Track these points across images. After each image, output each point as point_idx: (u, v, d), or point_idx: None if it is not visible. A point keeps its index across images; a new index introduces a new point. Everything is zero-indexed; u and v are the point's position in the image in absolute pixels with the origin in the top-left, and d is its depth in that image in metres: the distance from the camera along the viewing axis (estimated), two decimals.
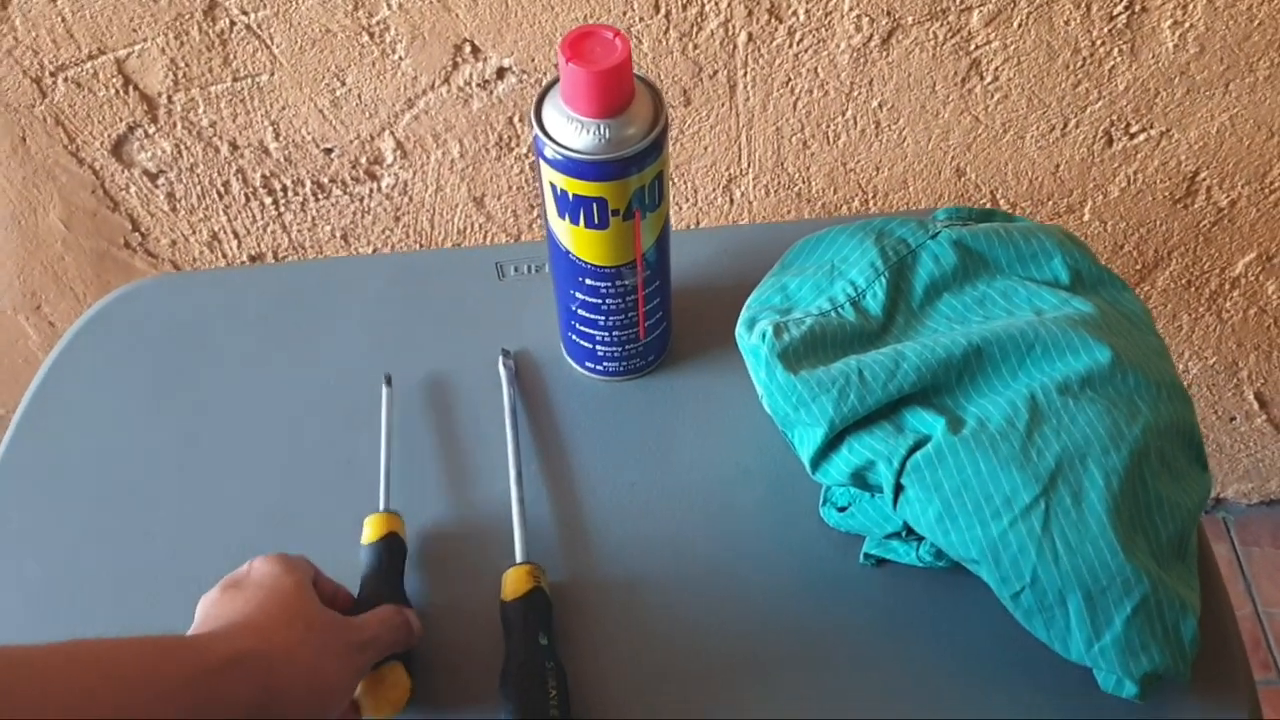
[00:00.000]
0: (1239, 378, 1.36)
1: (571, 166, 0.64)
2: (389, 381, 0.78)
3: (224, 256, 1.19)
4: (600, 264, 0.70)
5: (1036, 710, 0.65)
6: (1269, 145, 1.08)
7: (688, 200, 1.12)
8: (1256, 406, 1.41)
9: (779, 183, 1.10)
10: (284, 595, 0.59)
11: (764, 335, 0.68)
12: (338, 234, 1.16)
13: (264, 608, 0.58)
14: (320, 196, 1.12)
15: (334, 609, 0.62)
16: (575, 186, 0.65)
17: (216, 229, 1.15)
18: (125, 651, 0.51)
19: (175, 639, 0.55)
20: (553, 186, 0.66)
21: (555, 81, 0.65)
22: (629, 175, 0.65)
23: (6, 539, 0.74)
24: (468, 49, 0.98)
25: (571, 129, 0.64)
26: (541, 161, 0.66)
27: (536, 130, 0.65)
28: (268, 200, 1.12)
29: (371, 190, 1.11)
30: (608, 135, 0.63)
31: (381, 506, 0.71)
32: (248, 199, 1.12)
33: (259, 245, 1.17)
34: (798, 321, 0.69)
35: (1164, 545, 0.63)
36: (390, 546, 0.69)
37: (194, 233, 1.15)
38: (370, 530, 0.70)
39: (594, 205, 0.66)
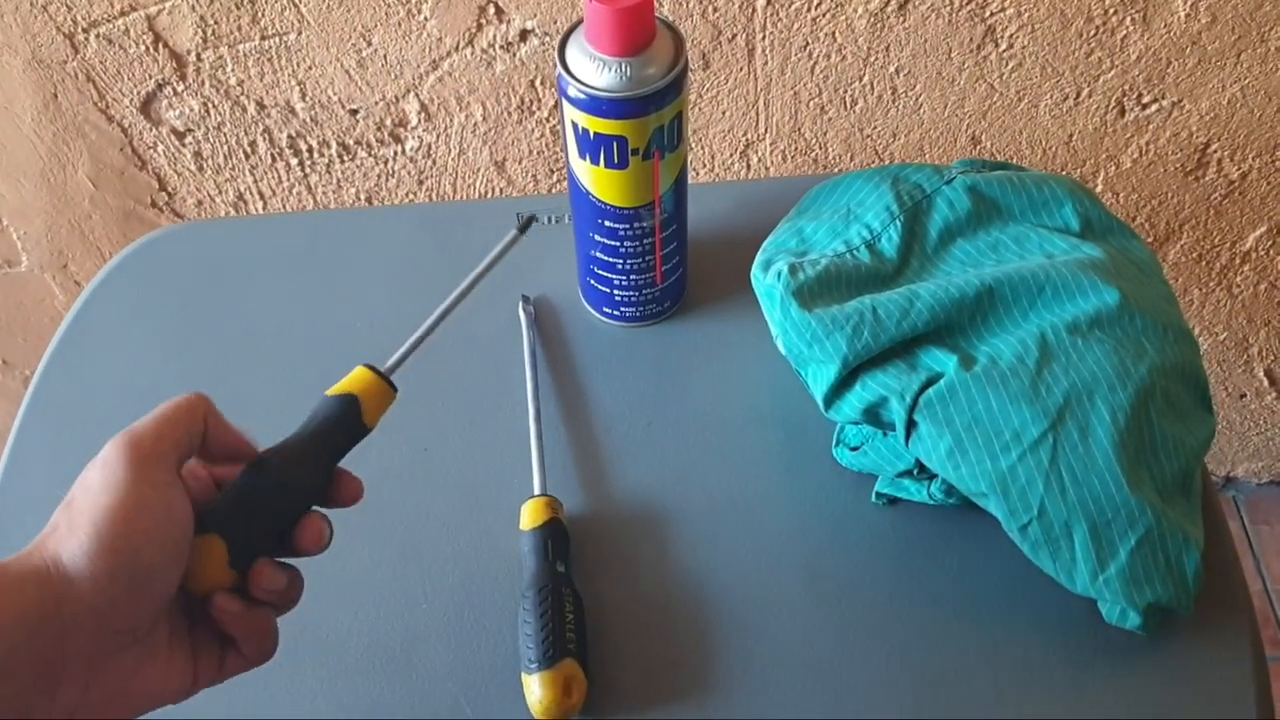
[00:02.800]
0: (1249, 354, 1.37)
1: (593, 104, 0.66)
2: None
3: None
4: (619, 204, 0.71)
5: (1045, 643, 0.66)
6: None
7: (705, 165, 1.14)
8: (1267, 384, 1.42)
9: (796, 148, 1.12)
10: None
11: (779, 274, 0.70)
12: (362, 196, 1.18)
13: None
14: (345, 158, 1.14)
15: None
16: (596, 125, 0.67)
17: (242, 189, 1.17)
18: None
19: None
20: (575, 126, 0.68)
21: (579, 23, 0.67)
22: (649, 113, 0.66)
23: (30, 490, 0.76)
24: (491, 10, 1.00)
25: (594, 67, 0.65)
26: (564, 101, 0.68)
27: (560, 69, 0.67)
28: (293, 161, 1.14)
29: (395, 153, 1.13)
30: (629, 73, 0.65)
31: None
32: (273, 159, 1.13)
33: (284, 206, 1.19)
34: (813, 262, 0.71)
35: (1169, 481, 0.65)
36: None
37: (220, 193, 1.17)
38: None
39: (614, 144, 0.68)
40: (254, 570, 0.52)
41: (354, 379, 0.58)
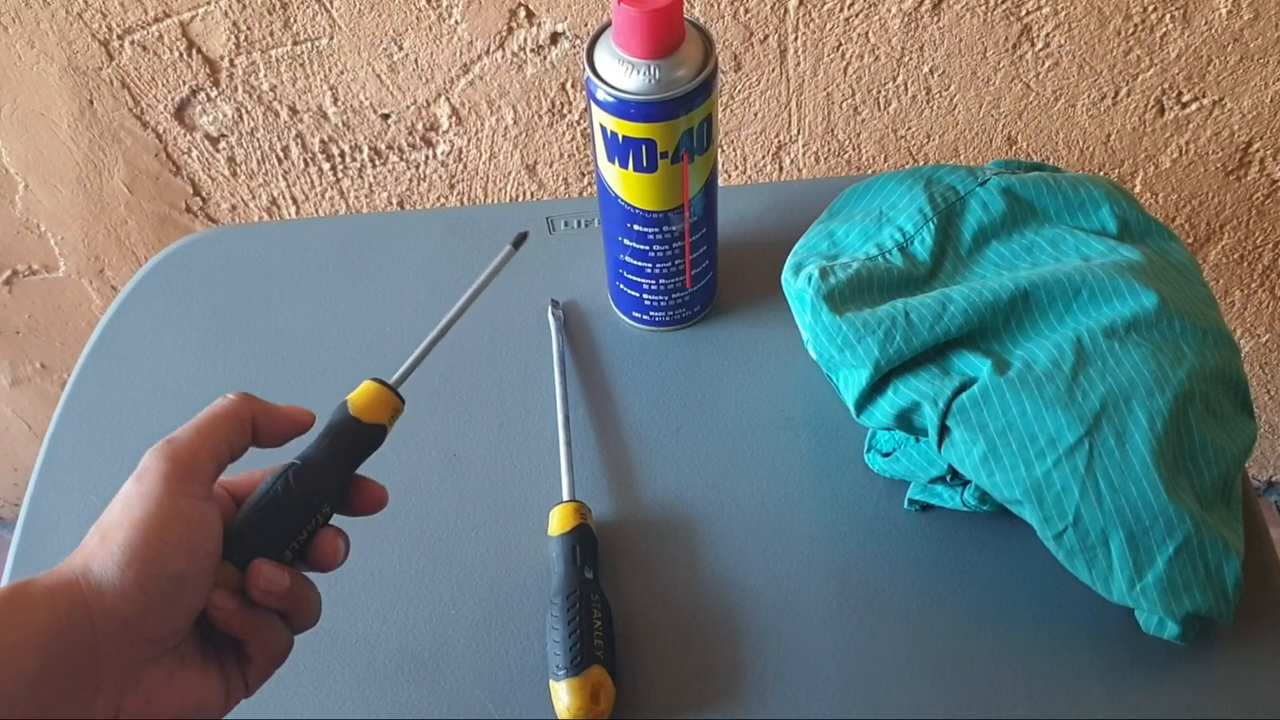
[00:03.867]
0: None
1: (621, 108, 0.66)
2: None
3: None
4: (648, 208, 0.71)
5: (1080, 654, 0.65)
6: None
7: (737, 168, 1.13)
8: None
9: (829, 150, 1.11)
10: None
11: (810, 278, 0.69)
12: (394, 201, 1.18)
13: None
14: (377, 163, 1.14)
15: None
16: (625, 128, 0.66)
17: (276, 194, 1.17)
18: None
19: None
20: (603, 129, 0.68)
21: (608, 26, 0.66)
22: (678, 116, 0.66)
23: (64, 494, 0.76)
24: (522, 13, 1.00)
25: (622, 70, 0.65)
26: (593, 104, 0.67)
27: (588, 72, 0.66)
28: (326, 166, 1.14)
29: (427, 157, 1.13)
30: (658, 76, 0.65)
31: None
32: (306, 164, 1.14)
33: (317, 211, 1.19)
34: (844, 265, 0.70)
35: (1208, 488, 0.63)
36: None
37: (253, 198, 1.18)
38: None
39: (643, 148, 0.67)
40: (251, 568, 0.51)
41: (363, 394, 0.57)
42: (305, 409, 0.56)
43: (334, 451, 0.55)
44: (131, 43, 1.02)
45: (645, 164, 0.68)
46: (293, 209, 1.19)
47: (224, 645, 0.52)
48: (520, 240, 0.66)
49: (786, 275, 0.73)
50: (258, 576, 0.51)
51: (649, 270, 0.75)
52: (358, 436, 0.56)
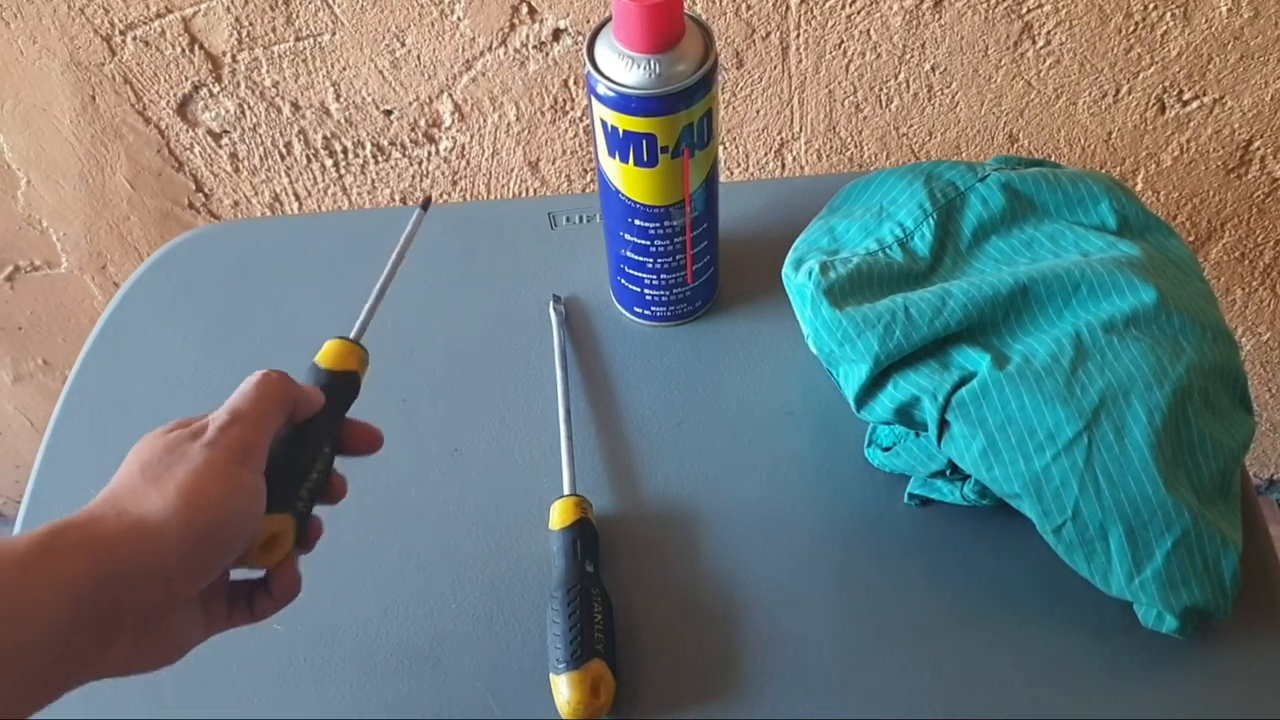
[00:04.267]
0: None
1: (622, 102, 0.66)
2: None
3: None
4: (649, 203, 0.71)
5: (1079, 647, 0.65)
6: None
7: (739, 165, 1.13)
8: None
9: (831, 147, 1.11)
10: (129, 460, 0.51)
11: (810, 273, 0.69)
12: (397, 197, 1.18)
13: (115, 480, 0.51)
14: (380, 159, 1.14)
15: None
16: (625, 123, 0.67)
17: (278, 190, 1.17)
18: None
19: None
20: (604, 124, 0.68)
21: (608, 20, 0.67)
22: (678, 111, 0.66)
23: (66, 488, 0.76)
24: (524, 10, 1.00)
25: (623, 64, 0.65)
26: (593, 99, 0.67)
27: (589, 67, 0.66)
28: (329, 162, 1.14)
29: (430, 153, 1.13)
30: (658, 70, 0.65)
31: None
32: (309, 160, 1.14)
33: (319, 207, 1.19)
34: (845, 260, 0.70)
35: (1206, 482, 0.64)
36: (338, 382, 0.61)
37: (256, 194, 1.18)
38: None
39: (643, 142, 0.67)
40: (279, 573, 0.55)
41: (327, 350, 0.61)
42: (317, 389, 0.58)
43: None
44: (134, 38, 1.03)
45: (646, 159, 0.68)
46: (295, 205, 1.19)
47: (241, 588, 0.55)
48: (426, 203, 0.68)
49: (787, 270, 0.73)
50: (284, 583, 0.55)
51: (650, 265, 0.75)
52: (333, 384, 0.59)
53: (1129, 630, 0.65)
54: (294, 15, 1.01)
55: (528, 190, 1.17)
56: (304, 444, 0.56)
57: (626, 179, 0.70)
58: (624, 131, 0.67)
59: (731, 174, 1.14)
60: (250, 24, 1.01)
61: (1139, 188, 1.15)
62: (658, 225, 0.73)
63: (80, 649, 0.45)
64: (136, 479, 0.49)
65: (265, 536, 0.53)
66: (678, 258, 0.75)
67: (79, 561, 0.45)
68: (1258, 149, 1.11)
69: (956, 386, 0.65)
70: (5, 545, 0.45)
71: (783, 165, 1.13)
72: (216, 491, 0.49)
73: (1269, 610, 0.66)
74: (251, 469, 0.51)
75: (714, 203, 0.75)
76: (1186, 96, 1.06)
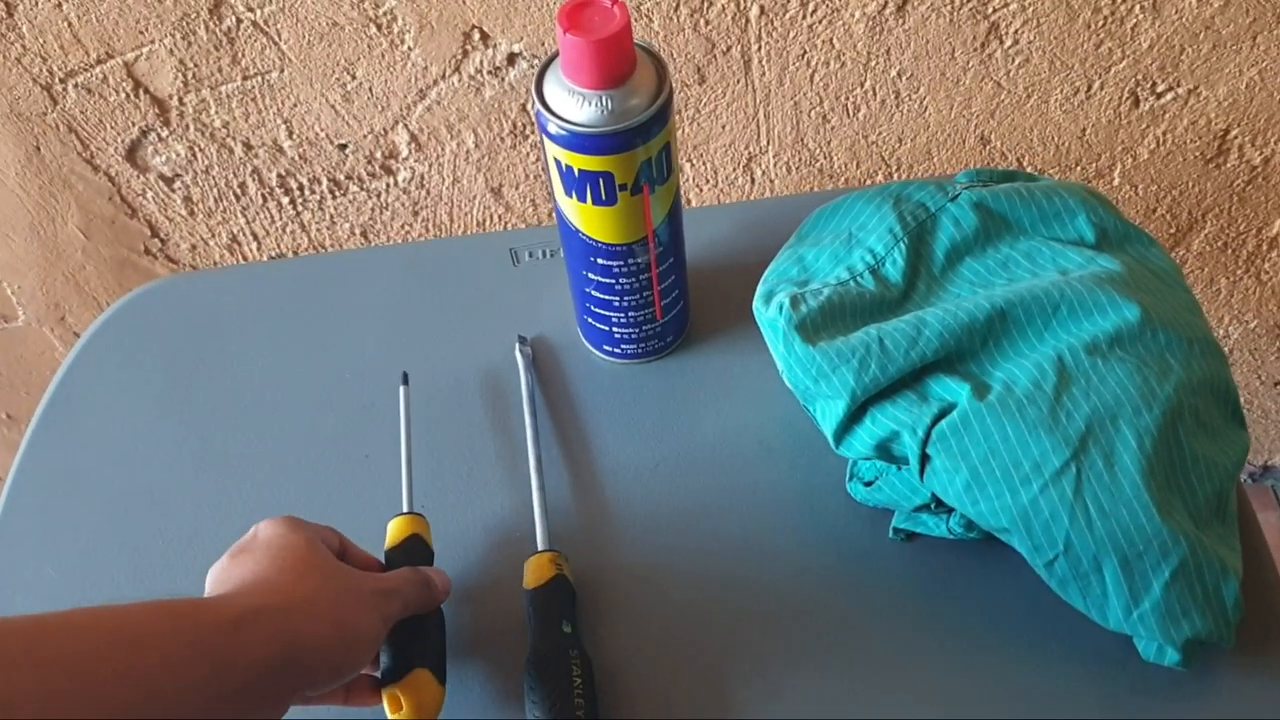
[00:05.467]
0: None
1: (575, 141, 0.63)
2: (406, 380, 0.76)
3: (245, 259, 1.18)
4: (611, 242, 0.68)
5: (1077, 683, 0.63)
6: None
7: (708, 181, 1.10)
8: None
9: (800, 159, 1.08)
10: (296, 550, 0.58)
11: (781, 307, 0.67)
12: (357, 231, 1.15)
13: (276, 564, 0.57)
14: (337, 194, 1.11)
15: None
16: (580, 161, 0.64)
17: (235, 231, 1.14)
18: (132, 615, 0.49)
19: (186, 601, 0.53)
20: (558, 163, 0.65)
21: (556, 55, 0.64)
22: (635, 147, 0.63)
23: (24, 542, 0.74)
24: (477, 36, 0.97)
25: (573, 102, 0.62)
26: (545, 139, 0.65)
27: (538, 106, 0.63)
28: (285, 200, 1.11)
29: (388, 185, 1.10)
30: (610, 106, 0.62)
31: (405, 508, 0.69)
32: (265, 199, 1.11)
33: (279, 246, 1.16)
34: (815, 292, 0.67)
35: (1201, 505, 0.61)
36: (411, 550, 0.67)
37: (213, 236, 1.15)
38: (393, 533, 0.68)
39: (600, 180, 0.65)
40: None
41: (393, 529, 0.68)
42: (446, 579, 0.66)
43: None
44: (75, 85, 1.00)
45: (604, 197, 0.66)
46: (254, 245, 1.16)
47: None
48: (405, 378, 0.76)
49: (757, 304, 0.70)
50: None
51: (617, 304, 0.73)
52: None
53: (1128, 662, 0.62)
54: (239, 54, 0.98)
55: (491, 217, 1.14)
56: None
57: (586, 218, 0.67)
58: (579, 170, 0.64)
59: (701, 190, 1.11)
60: (195, 65, 0.98)
61: (1117, 183, 1.12)
62: (621, 264, 0.70)
63: (238, 712, 0.51)
64: (321, 594, 0.56)
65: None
66: (645, 294, 0.72)
67: (268, 647, 0.52)
68: (1235, 137, 1.08)
69: (936, 419, 0.62)
70: (207, 611, 0.52)
71: (752, 180, 1.10)
72: (365, 636, 0.57)
73: (1273, 633, 0.64)
74: (384, 616, 0.59)
75: (679, 235, 0.72)
76: (1160, 89, 1.04)
